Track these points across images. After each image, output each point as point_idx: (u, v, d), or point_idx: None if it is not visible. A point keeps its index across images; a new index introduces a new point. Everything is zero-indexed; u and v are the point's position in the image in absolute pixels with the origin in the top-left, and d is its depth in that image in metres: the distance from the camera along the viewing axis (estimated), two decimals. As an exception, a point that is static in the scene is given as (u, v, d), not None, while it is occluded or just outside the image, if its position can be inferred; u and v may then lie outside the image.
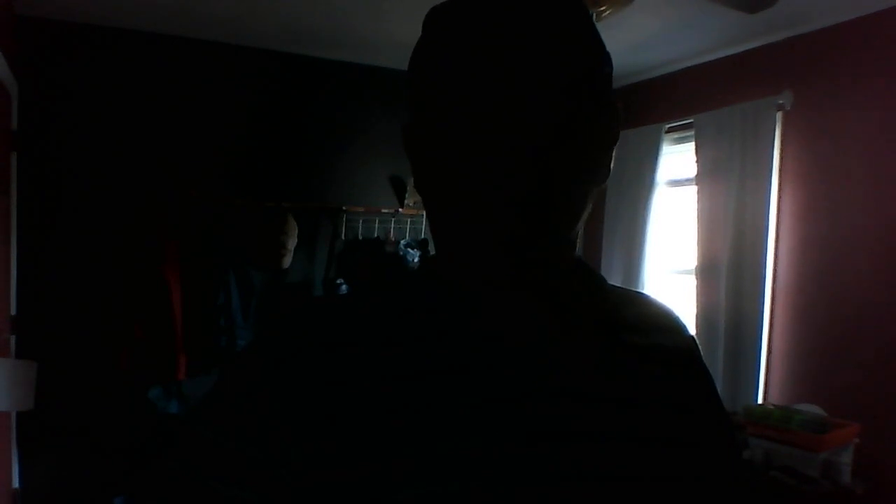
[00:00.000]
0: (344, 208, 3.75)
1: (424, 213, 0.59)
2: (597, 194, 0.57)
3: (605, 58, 0.54)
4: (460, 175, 0.50)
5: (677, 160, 3.65)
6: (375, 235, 3.85)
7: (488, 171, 0.49)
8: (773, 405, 2.83)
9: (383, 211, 3.85)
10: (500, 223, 0.50)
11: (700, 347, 0.65)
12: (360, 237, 3.81)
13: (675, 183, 3.69)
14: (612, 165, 0.57)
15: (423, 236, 3.93)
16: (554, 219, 0.52)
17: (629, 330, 0.59)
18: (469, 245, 0.53)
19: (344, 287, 3.63)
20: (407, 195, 3.90)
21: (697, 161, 3.39)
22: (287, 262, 3.47)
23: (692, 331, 0.66)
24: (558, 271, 0.56)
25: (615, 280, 3.85)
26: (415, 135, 0.56)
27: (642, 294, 0.67)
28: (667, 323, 0.64)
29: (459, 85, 0.50)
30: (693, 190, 3.43)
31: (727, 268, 3.17)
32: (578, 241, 0.57)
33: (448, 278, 0.56)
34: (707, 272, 3.31)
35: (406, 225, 3.93)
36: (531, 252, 0.52)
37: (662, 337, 0.61)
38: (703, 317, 3.29)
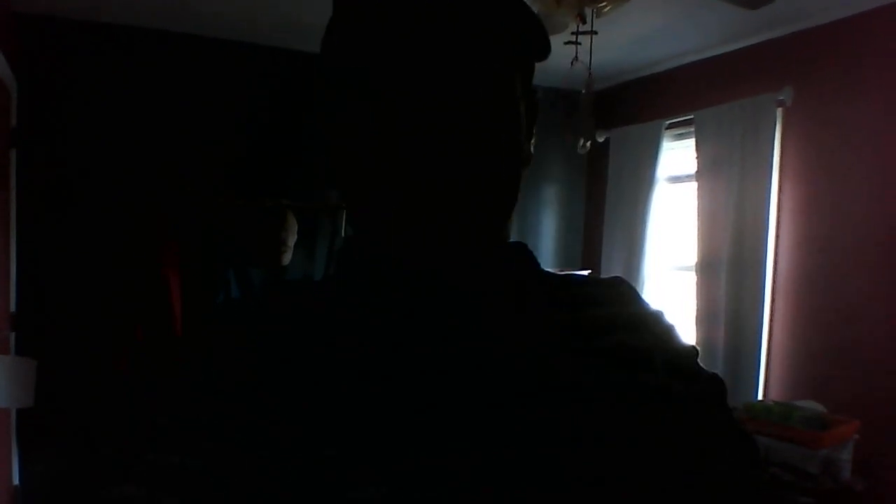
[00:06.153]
0: (343, 206, 3.74)
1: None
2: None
3: (535, 36, 0.55)
4: (397, 160, 0.49)
5: (677, 156, 3.65)
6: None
7: (428, 154, 0.48)
8: (774, 401, 2.83)
9: (383, 208, 3.84)
10: (450, 209, 0.49)
11: (700, 345, 0.64)
12: (360, 234, 3.80)
13: (676, 179, 3.69)
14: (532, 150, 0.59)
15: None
16: (502, 200, 0.53)
17: (583, 308, 0.58)
18: (417, 231, 0.51)
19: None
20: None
21: (697, 157, 3.39)
22: (287, 259, 3.47)
23: (692, 329, 0.65)
24: (513, 259, 0.58)
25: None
26: (340, 120, 0.53)
27: (581, 275, 0.68)
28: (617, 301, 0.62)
29: (394, 65, 0.49)
30: (693, 186, 3.43)
31: (727, 264, 3.17)
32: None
33: (406, 271, 0.53)
34: (707, 269, 3.31)
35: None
36: (484, 237, 0.53)
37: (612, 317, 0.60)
38: (703, 313, 3.29)
